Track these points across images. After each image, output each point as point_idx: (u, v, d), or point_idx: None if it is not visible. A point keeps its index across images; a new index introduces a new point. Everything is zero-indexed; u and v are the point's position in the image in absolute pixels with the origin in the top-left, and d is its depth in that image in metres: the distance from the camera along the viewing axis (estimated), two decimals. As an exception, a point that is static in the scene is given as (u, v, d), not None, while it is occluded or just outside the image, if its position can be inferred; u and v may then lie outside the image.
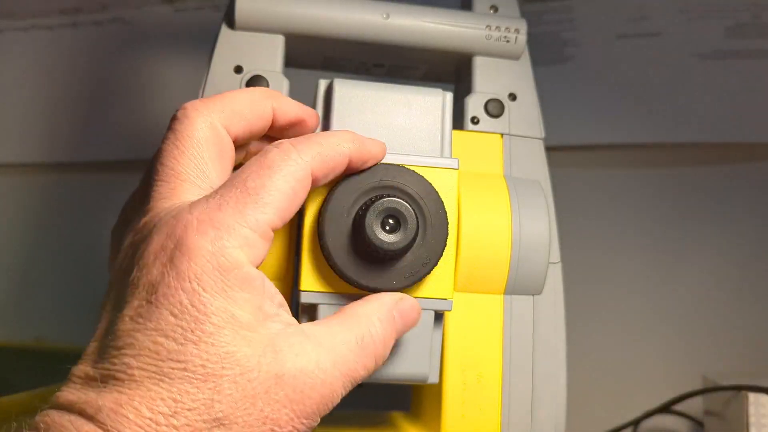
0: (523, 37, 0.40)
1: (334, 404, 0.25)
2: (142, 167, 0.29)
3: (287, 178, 0.26)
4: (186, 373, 0.22)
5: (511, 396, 0.34)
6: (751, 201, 0.64)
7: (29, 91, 0.73)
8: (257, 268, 0.25)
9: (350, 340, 0.26)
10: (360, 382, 0.26)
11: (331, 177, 0.28)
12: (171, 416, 0.22)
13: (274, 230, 0.25)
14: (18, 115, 0.73)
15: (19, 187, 0.74)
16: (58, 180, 0.74)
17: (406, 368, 0.31)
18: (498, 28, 0.40)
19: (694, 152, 0.65)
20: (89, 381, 0.23)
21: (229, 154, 0.28)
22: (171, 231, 0.24)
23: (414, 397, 0.42)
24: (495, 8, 0.41)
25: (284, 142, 0.27)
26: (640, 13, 0.65)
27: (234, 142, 0.29)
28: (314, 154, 0.27)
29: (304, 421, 0.24)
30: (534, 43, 0.41)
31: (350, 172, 0.29)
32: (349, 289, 0.29)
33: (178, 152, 0.27)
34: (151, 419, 0.22)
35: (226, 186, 0.25)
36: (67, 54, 0.73)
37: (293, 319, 0.26)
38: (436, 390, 0.35)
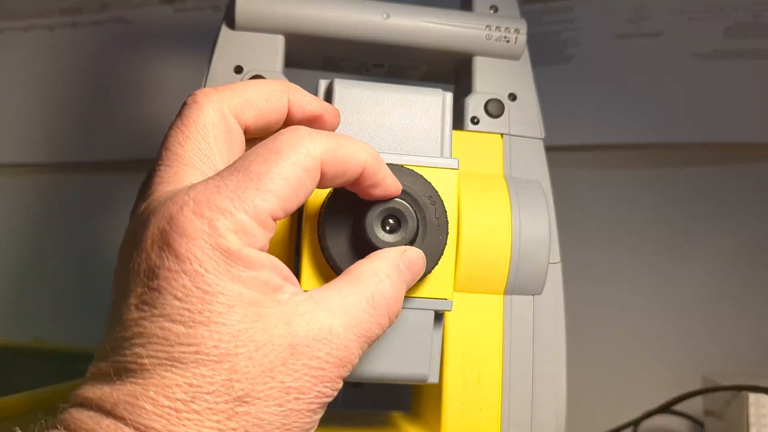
0: (523, 38, 0.40)
1: (353, 365, 0.25)
2: (143, 167, 0.29)
3: (294, 166, 0.24)
4: (199, 356, 0.22)
5: (511, 396, 0.34)
6: (751, 201, 0.64)
7: (29, 91, 0.73)
8: None
9: (361, 300, 0.25)
10: (377, 339, 0.26)
11: (340, 181, 0.26)
12: (190, 402, 0.22)
13: (276, 219, 0.24)
14: (18, 115, 0.73)
15: (19, 187, 0.74)
16: (58, 180, 0.74)
17: (406, 368, 0.31)
18: (498, 28, 0.40)
19: (694, 152, 0.65)
20: (103, 376, 0.23)
21: (239, 143, 0.28)
22: (167, 212, 0.23)
23: (414, 397, 0.42)
24: (495, 8, 0.41)
25: (301, 128, 0.26)
26: (640, 13, 0.65)
27: (245, 132, 0.28)
28: (329, 148, 0.25)
29: (328, 384, 0.24)
30: (534, 43, 0.41)
31: (359, 187, 0.27)
32: (349, 289, 0.29)
33: (182, 137, 0.26)
34: (170, 407, 0.22)
35: (230, 168, 0.24)
36: (67, 54, 0.73)
37: (300, 289, 0.25)
38: (436, 390, 0.35)
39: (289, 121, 0.29)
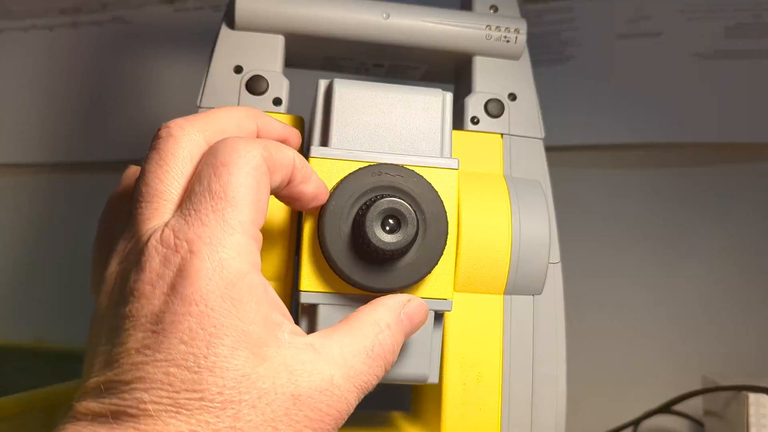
0: (522, 37, 0.40)
1: (349, 414, 0.25)
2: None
3: (245, 168, 0.25)
4: (203, 403, 0.22)
5: (511, 396, 0.34)
6: (751, 201, 0.64)
7: (29, 91, 0.73)
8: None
9: (360, 351, 0.26)
10: (372, 389, 0.26)
11: (277, 177, 0.26)
12: None
13: (259, 228, 0.25)
14: (18, 115, 0.73)
15: (19, 187, 0.74)
16: (58, 180, 0.74)
17: (406, 368, 0.31)
18: (498, 28, 0.40)
19: (694, 152, 0.65)
20: (97, 417, 0.22)
21: None
22: (164, 259, 0.23)
23: (414, 397, 0.42)
24: (495, 8, 0.41)
25: (228, 138, 0.26)
26: (640, 13, 0.65)
27: None
28: (262, 146, 0.26)
29: None
30: (534, 43, 0.41)
31: (293, 186, 0.27)
32: (349, 290, 0.29)
33: (161, 172, 0.25)
34: None
35: (194, 198, 0.24)
36: (67, 54, 0.73)
37: (297, 327, 0.25)
38: (436, 390, 0.35)
39: None
